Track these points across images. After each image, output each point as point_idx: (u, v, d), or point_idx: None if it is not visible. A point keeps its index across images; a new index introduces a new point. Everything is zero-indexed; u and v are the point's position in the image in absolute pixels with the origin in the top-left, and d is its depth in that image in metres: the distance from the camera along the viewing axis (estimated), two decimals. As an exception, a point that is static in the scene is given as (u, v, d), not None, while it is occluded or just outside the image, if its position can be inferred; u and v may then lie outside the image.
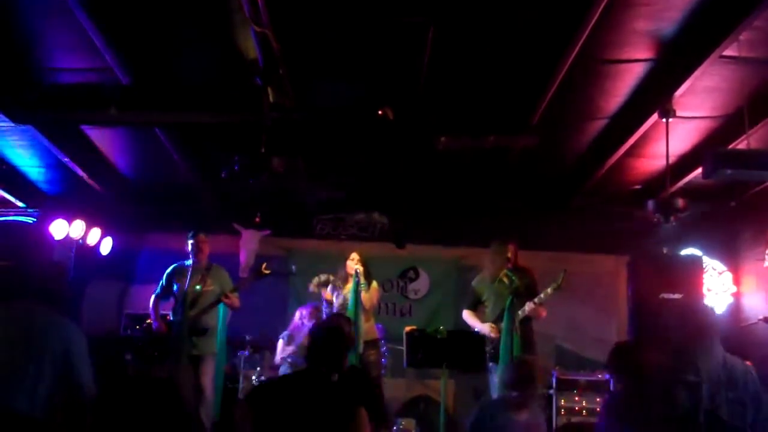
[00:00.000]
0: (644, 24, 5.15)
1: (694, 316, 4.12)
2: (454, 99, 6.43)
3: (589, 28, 4.95)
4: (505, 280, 6.77)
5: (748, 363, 3.97)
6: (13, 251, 8.10)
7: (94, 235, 8.91)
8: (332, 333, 3.97)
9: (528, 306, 6.67)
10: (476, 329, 6.85)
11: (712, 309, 4.42)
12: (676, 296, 6.61)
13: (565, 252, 8.98)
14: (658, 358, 4.25)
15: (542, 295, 6.65)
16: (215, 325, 7.06)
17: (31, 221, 8.49)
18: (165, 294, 7.15)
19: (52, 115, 6.15)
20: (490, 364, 6.70)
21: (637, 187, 8.64)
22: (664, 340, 4.32)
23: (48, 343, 4.11)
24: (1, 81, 6.03)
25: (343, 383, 3.92)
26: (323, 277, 7.65)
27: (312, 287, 7.67)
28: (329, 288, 7.55)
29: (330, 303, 7.52)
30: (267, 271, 7.10)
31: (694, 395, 3.75)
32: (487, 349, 6.65)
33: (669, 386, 4.01)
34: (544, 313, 6.83)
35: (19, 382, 4.00)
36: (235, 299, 6.97)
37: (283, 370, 7.88)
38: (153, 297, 7.18)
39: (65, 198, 9.36)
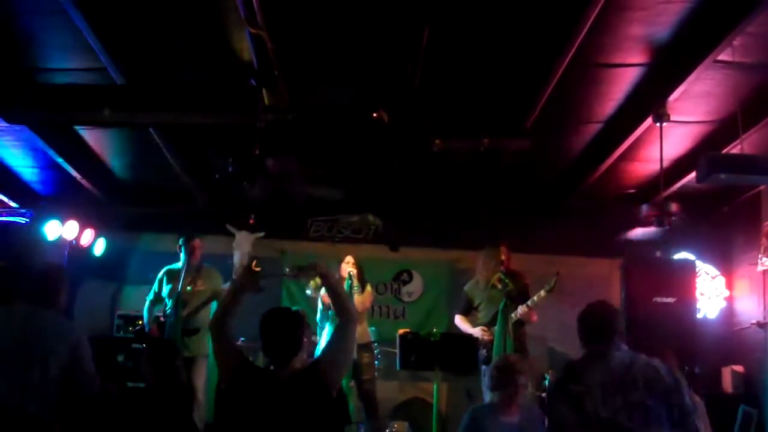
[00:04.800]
0: (639, 29, 5.16)
1: (591, 319, 3.99)
2: (449, 101, 6.43)
3: (584, 32, 4.96)
4: (498, 284, 6.77)
5: (655, 360, 3.75)
6: (6, 252, 8.08)
7: (87, 236, 8.88)
8: (283, 318, 3.85)
9: (520, 309, 6.68)
10: (468, 333, 6.85)
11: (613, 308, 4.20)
12: (670, 300, 6.64)
13: (558, 255, 8.97)
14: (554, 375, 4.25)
15: (535, 298, 6.66)
16: (207, 327, 7.05)
17: (24, 222, 8.46)
18: (158, 298, 7.15)
19: (46, 116, 6.12)
20: (483, 367, 6.70)
21: (632, 190, 8.66)
22: None
23: (54, 345, 4.14)
24: (-4, 81, 6.02)
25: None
26: (320, 280, 7.61)
27: (310, 291, 7.65)
28: (323, 291, 7.53)
29: (327, 306, 7.50)
30: (257, 269, 7.09)
31: (576, 405, 3.62)
32: (481, 352, 6.65)
33: (552, 401, 3.99)
34: (535, 317, 6.84)
35: (27, 384, 4.02)
36: None
37: None
38: (147, 302, 7.19)
39: (59, 198, 9.34)
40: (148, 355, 4.97)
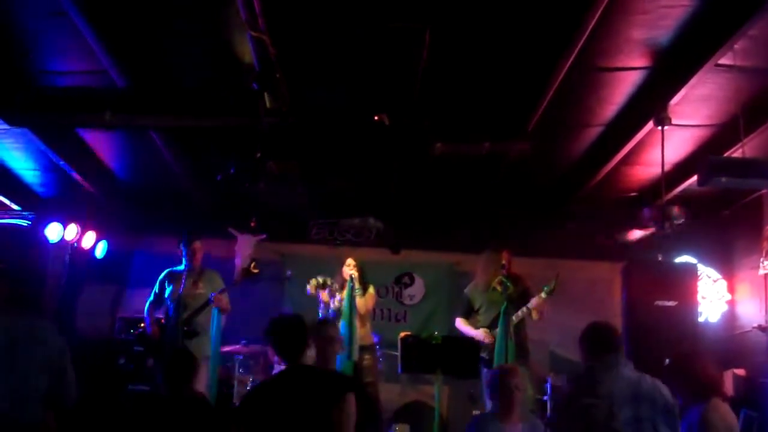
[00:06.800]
0: (640, 32, 5.17)
1: (599, 332, 4.10)
2: (450, 105, 6.43)
3: (586, 35, 4.97)
4: (499, 287, 6.78)
5: (658, 381, 3.92)
6: (7, 254, 8.08)
7: (88, 239, 8.89)
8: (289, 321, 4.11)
9: (532, 303, 6.62)
10: (470, 336, 6.85)
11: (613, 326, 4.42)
12: (671, 303, 6.63)
13: (560, 258, 8.97)
14: (565, 387, 4.40)
15: (535, 300, 6.66)
16: (208, 329, 7.05)
17: (25, 224, 8.46)
18: (159, 300, 7.15)
19: (47, 118, 6.13)
20: (485, 370, 6.70)
21: (633, 194, 8.66)
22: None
23: (45, 352, 4.11)
24: (-2, 83, 6.03)
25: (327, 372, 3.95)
26: (321, 279, 7.63)
27: (310, 289, 7.64)
28: (326, 291, 7.53)
29: (327, 305, 7.50)
30: (255, 270, 7.12)
31: (585, 417, 3.74)
32: (483, 355, 6.65)
33: (563, 412, 4.10)
34: (546, 309, 6.72)
35: (21, 393, 4.00)
36: (224, 301, 6.96)
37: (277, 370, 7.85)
38: (147, 304, 7.18)
39: (60, 201, 9.35)
40: (165, 369, 4.87)
